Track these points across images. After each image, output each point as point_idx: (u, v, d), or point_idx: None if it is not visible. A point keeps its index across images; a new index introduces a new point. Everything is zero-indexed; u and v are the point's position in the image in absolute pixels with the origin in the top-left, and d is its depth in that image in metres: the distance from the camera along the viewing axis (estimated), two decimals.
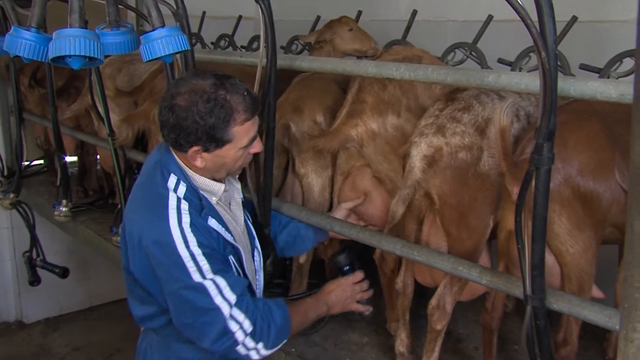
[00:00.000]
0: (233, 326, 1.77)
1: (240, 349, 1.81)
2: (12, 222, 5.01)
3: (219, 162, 1.83)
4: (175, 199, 1.79)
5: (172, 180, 1.82)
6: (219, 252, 1.83)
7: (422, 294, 2.41)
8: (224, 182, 1.93)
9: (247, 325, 1.79)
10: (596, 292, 1.85)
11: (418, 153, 1.93)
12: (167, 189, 1.80)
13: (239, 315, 1.78)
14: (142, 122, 3.06)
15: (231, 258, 1.88)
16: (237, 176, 2.08)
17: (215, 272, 1.76)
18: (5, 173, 4.58)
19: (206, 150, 1.78)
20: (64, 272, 4.19)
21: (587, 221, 1.76)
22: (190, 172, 1.84)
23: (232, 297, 1.77)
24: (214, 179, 1.89)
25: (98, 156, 4.17)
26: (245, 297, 1.82)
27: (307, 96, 2.50)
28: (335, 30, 3.02)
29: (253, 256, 2.08)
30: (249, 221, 2.12)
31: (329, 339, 2.40)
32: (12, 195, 4.31)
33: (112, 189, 3.98)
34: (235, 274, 1.87)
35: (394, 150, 2.17)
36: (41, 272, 4.27)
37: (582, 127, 1.81)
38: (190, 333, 1.83)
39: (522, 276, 1.51)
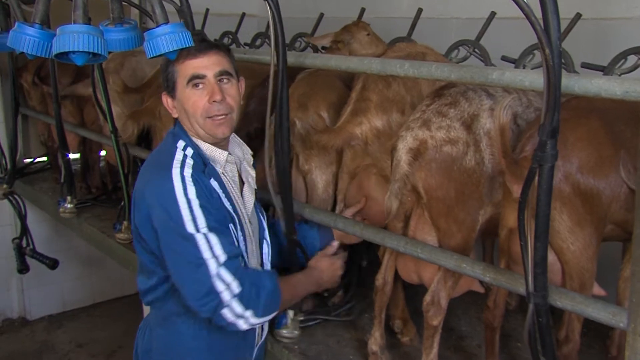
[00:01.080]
0: (219, 286, 1.74)
1: (227, 313, 1.76)
2: (14, 219, 5.01)
3: (182, 109, 1.92)
4: (182, 155, 1.87)
5: (181, 143, 1.92)
6: (218, 213, 1.83)
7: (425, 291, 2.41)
8: (227, 151, 1.99)
9: (235, 286, 1.75)
10: (597, 290, 1.85)
11: (404, 146, 1.95)
12: (176, 147, 1.90)
13: (227, 276, 1.75)
14: (148, 119, 3.07)
15: (231, 227, 1.89)
16: (252, 161, 2.13)
17: (210, 228, 1.76)
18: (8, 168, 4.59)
19: (170, 94, 1.94)
20: (53, 264, 4.25)
21: (587, 218, 1.77)
22: (195, 139, 1.93)
23: (222, 256, 1.75)
24: (216, 146, 1.95)
25: (102, 152, 4.19)
26: (237, 260, 1.80)
27: (312, 92, 2.50)
28: (353, 34, 2.99)
29: (261, 248, 2.11)
30: (260, 214, 2.15)
31: (332, 337, 2.40)
32: (4, 186, 4.38)
33: (116, 185, 3.99)
34: (235, 241, 1.87)
35: None
36: (45, 270, 4.30)
37: (581, 125, 1.81)
38: (182, 291, 1.82)
39: (524, 273, 1.52)
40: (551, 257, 1.77)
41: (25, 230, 4.36)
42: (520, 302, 2.62)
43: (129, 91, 3.35)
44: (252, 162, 2.13)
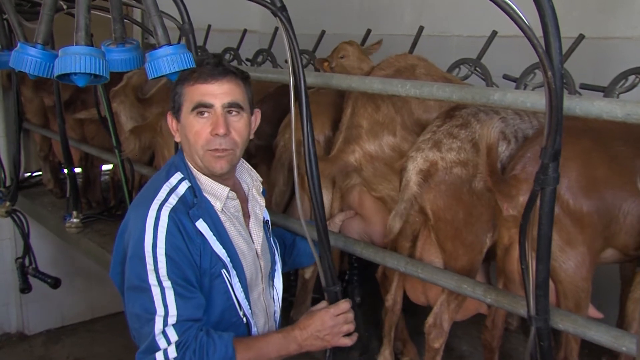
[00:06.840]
0: (161, 343, 1.62)
1: None
2: (14, 233, 5.00)
3: (184, 136, 1.78)
4: (166, 192, 1.72)
5: (176, 177, 1.77)
6: (191, 261, 1.68)
7: (423, 310, 2.39)
8: (229, 187, 1.82)
9: (172, 351, 1.61)
10: (593, 312, 1.83)
11: (414, 167, 1.94)
12: (164, 183, 1.76)
13: (172, 336, 1.62)
14: (149, 134, 3.07)
15: (224, 272, 1.75)
16: (261, 188, 1.96)
17: (172, 281, 1.64)
18: (7, 184, 4.54)
19: (175, 116, 1.80)
20: (55, 283, 4.21)
21: (579, 238, 1.76)
22: (194, 172, 1.80)
23: (173, 316, 1.63)
24: (217, 181, 1.80)
25: (104, 167, 4.18)
26: (190, 323, 1.65)
27: (317, 112, 2.48)
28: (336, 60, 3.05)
29: (273, 282, 1.98)
30: (274, 246, 2.01)
31: (330, 357, 2.37)
32: (7, 204, 4.34)
33: (121, 200, 3.98)
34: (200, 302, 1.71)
35: (394, 171, 2.16)
36: (44, 285, 4.27)
37: (572, 144, 1.79)
38: (134, 339, 1.74)
39: (526, 297, 1.50)
40: None
41: (28, 249, 4.31)
42: (521, 322, 2.60)
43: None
44: (261, 190, 1.96)
